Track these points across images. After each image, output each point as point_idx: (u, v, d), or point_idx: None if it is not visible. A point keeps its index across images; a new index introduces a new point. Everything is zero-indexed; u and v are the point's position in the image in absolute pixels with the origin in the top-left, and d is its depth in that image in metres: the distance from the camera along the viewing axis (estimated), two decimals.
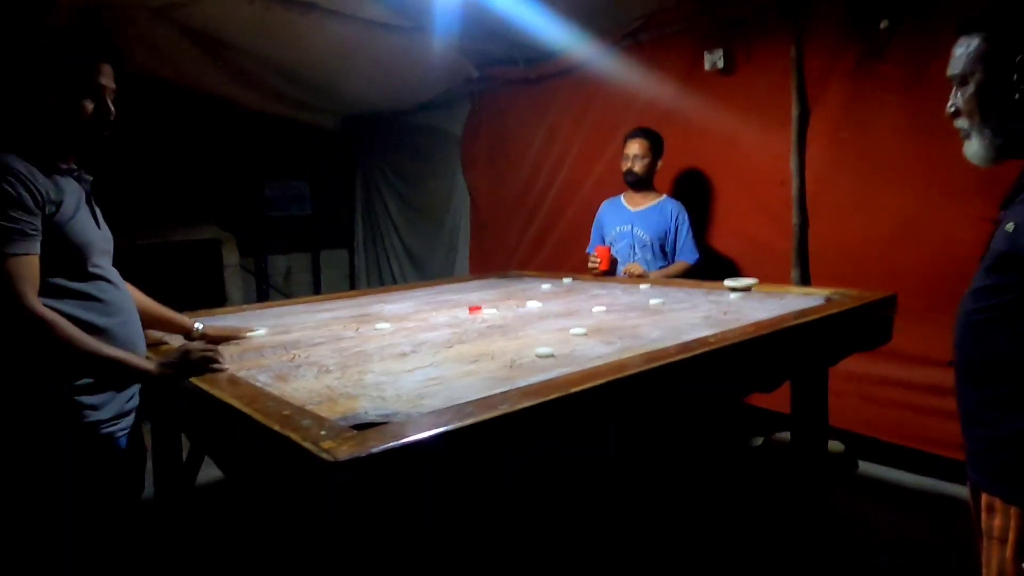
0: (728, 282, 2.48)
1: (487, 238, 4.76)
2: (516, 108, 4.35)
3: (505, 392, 1.16)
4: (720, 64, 3.16)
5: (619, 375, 1.23)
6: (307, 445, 0.94)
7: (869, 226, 2.83)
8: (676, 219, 3.17)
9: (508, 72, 4.18)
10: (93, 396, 1.38)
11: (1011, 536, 1.11)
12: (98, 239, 1.44)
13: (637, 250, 3.18)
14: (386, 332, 1.97)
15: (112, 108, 1.41)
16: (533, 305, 2.34)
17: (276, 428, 1.02)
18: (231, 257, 4.61)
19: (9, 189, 1.26)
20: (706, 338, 1.51)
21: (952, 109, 1.21)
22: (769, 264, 3.09)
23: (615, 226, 3.24)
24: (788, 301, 2.16)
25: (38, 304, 1.25)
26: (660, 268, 3.13)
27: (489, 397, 1.13)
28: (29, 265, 1.26)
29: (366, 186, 5.89)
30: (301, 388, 1.34)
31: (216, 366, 1.42)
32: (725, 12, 3.11)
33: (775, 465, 3.07)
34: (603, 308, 2.17)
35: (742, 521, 2.55)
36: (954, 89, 1.21)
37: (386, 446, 0.93)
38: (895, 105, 2.67)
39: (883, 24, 2.58)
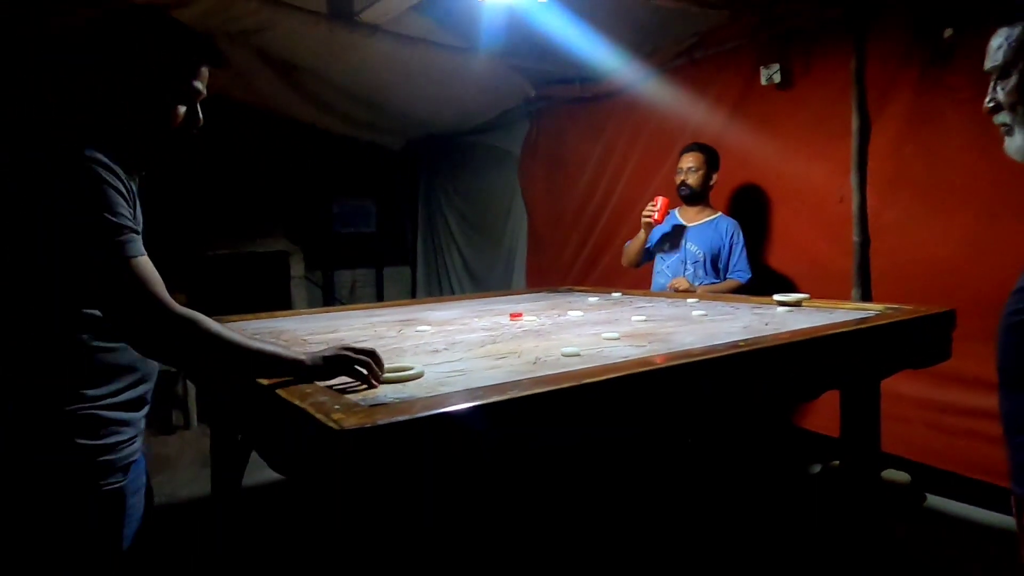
0: (777, 296, 2.42)
1: (544, 255, 4.80)
2: (573, 126, 4.40)
3: (519, 380, 1.19)
4: (777, 79, 3.12)
5: (634, 370, 1.23)
6: (319, 416, 0.99)
7: (935, 245, 2.71)
8: (731, 237, 3.13)
9: (565, 91, 4.24)
10: (126, 412, 1.24)
11: None
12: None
13: (688, 265, 3.15)
14: (426, 333, 2.03)
15: (201, 115, 1.30)
16: (575, 314, 2.35)
17: (296, 402, 1.08)
18: (298, 269, 4.83)
19: (115, 183, 1.13)
20: (735, 342, 1.49)
21: (991, 104, 1.16)
22: (829, 283, 2.99)
23: (667, 241, 3.22)
24: (837, 315, 2.09)
25: (176, 304, 1.14)
26: (710, 284, 3.09)
27: (502, 384, 1.16)
28: (151, 265, 1.15)
29: (428, 205, 6.07)
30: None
31: (370, 375, 1.24)
32: (782, 25, 3.07)
33: (834, 494, 2.93)
34: (643, 317, 2.16)
35: (798, 552, 2.45)
36: (992, 83, 1.15)
37: (392, 419, 0.97)
38: (962, 117, 2.56)
39: (947, 33, 2.49)
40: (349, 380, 1.26)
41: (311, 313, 2.90)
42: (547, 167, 4.68)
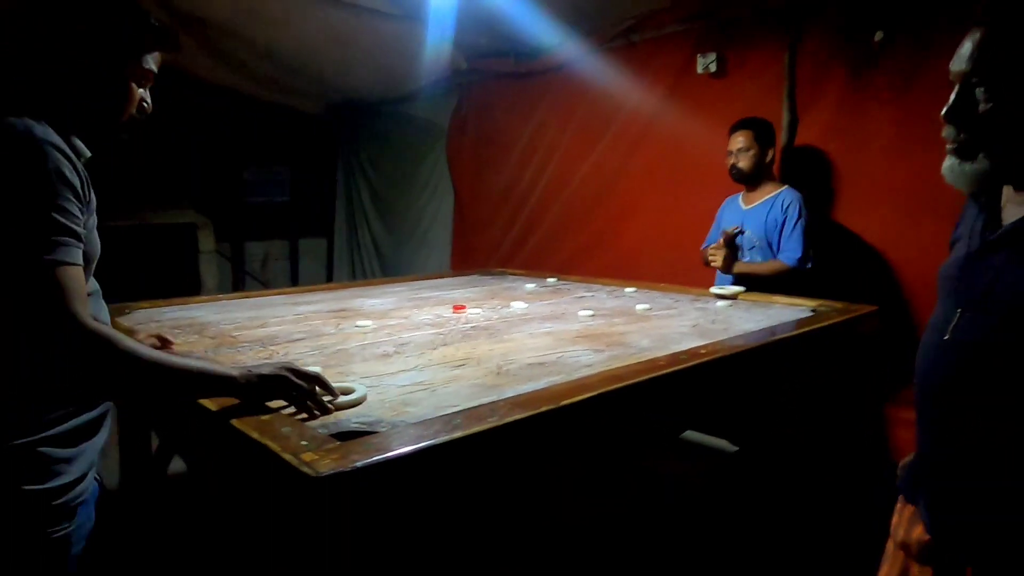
0: (714, 289, 2.47)
1: (470, 233, 4.70)
2: (505, 102, 4.30)
3: (493, 403, 1.13)
4: (713, 68, 3.14)
5: (608, 387, 1.20)
6: (287, 456, 0.89)
7: (854, 238, 2.84)
8: (787, 210, 2.70)
9: (498, 65, 4.12)
10: (68, 447, 1.07)
11: None
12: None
13: (745, 252, 2.81)
14: (368, 329, 1.92)
15: (150, 101, 1.21)
16: (518, 306, 2.30)
17: (255, 436, 0.97)
18: (207, 242, 4.50)
19: (62, 171, 1.00)
20: (696, 348, 1.49)
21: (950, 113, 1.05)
22: None
23: (731, 227, 2.83)
24: (774, 312, 2.15)
25: (92, 321, 1.01)
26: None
27: (477, 408, 1.10)
28: (79, 278, 1.02)
29: (347, 174, 5.80)
30: None
31: (314, 407, 1.12)
32: (720, 15, 3.09)
33: None
34: (590, 312, 2.14)
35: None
36: (960, 89, 1.02)
37: (370, 460, 0.88)
38: (885, 118, 2.67)
39: (878, 36, 2.57)
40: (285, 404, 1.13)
41: (230, 299, 2.71)
42: (476, 142, 4.56)
